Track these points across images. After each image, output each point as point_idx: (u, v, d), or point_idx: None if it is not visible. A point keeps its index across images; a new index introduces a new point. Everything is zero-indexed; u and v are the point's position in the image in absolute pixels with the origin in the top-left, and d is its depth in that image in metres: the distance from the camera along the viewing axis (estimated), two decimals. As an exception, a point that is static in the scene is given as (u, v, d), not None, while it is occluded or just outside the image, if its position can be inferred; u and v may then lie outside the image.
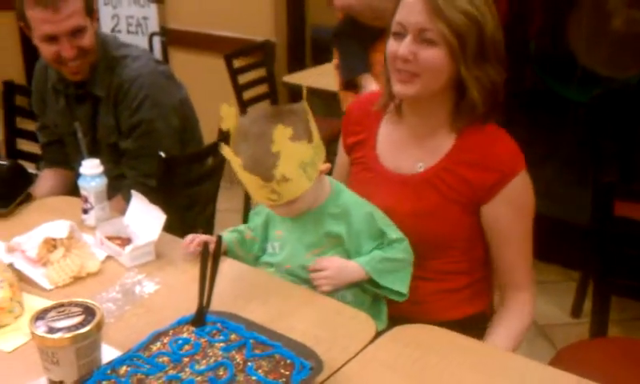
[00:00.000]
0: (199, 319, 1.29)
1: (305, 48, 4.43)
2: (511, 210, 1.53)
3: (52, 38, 2.04)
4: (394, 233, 1.53)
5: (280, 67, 4.19)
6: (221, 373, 1.15)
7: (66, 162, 2.40)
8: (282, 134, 1.34)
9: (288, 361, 1.19)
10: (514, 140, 1.56)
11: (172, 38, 4.68)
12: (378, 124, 1.68)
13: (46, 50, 2.08)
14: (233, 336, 1.25)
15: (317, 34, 4.68)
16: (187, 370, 1.16)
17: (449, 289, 1.62)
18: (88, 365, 1.18)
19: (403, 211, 1.55)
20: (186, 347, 1.21)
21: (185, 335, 1.25)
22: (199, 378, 1.14)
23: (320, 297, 1.51)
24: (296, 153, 1.38)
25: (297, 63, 4.30)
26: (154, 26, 4.76)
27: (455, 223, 1.55)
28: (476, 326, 1.61)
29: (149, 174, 2.17)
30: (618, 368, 1.79)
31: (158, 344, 1.23)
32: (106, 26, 4.97)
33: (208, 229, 2.47)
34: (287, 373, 1.16)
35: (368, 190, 1.59)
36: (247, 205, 3.52)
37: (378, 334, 1.39)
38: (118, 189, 2.14)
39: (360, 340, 1.36)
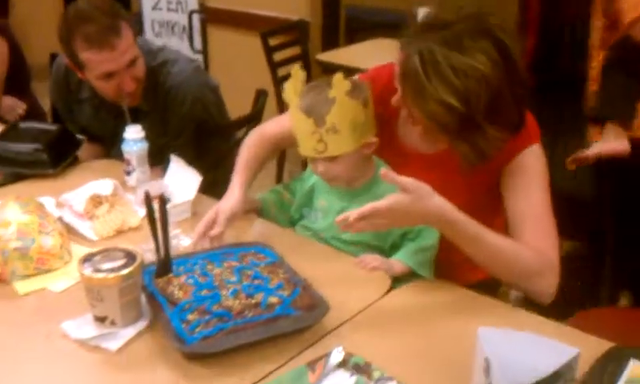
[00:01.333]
0: (165, 269, 1.40)
1: (339, 27, 4.47)
2: (525, 175, 1.53)
3: (110, 75, 2.03)
4: None
5: (314, 46, 4.25)
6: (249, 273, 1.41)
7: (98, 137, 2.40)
8: (340, 82, 1.43)
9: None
10: (530, 114, 1.56)
11: (211, 16, 4.77)
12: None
13: (105, 87, 2.07)
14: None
15: (351, 14, 4.75)
16: (226, 285, 1.36)
17: (460, 259, 1.58)
18: (129, 302, 1.31)
19: None
20: (203, 279, 1.40)
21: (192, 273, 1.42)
22: (245, 280, 1.38)
23: (339, 254, 1.62)
24: (349, 107, 1.47)
25: (330, 42, 4.35)
26: (193, 3, 4.86)
27: (465, 195, 1.52)
28: (490, 290, 1.68)
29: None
30: (628, 333, 1.80)
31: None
32: (147, 5, 5.10)
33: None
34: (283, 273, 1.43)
35: (388, 165, 1.62)
36: (280, 168, 3.65)
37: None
38: None
39: (375, 292, 1.46)
